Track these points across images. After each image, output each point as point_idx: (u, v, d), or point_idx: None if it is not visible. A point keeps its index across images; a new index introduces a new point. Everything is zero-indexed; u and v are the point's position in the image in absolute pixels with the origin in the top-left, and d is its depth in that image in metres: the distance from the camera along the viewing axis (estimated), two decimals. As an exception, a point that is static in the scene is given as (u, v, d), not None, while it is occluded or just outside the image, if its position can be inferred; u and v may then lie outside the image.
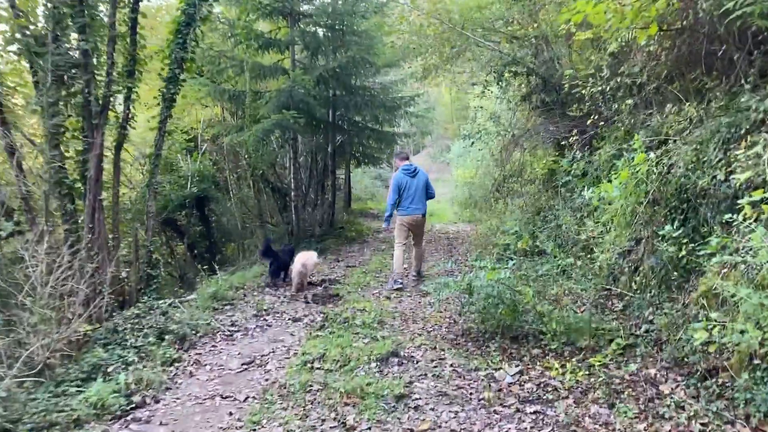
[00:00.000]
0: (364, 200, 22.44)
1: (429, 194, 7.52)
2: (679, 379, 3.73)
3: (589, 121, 7.20)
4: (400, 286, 7.10)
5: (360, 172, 24.59)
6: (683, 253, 4.38)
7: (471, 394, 3.86)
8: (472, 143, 9.47)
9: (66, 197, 5.53)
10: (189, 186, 9.54)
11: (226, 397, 4.02)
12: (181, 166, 10.10)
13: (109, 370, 4.27)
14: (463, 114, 43.42)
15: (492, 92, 9.16)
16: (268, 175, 12.16)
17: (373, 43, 9.44)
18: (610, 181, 5.80)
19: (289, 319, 5.94)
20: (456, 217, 18.24)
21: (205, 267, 8.49)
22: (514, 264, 5.36)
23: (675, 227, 4.52)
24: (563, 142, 8.53)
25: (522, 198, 12.51)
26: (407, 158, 7.67)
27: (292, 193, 10.45)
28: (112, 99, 5.84)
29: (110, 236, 6.02)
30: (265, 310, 6.24)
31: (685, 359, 3.88)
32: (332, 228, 12.12)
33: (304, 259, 7.27)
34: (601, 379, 3.86)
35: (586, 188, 6.67)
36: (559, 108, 8.64)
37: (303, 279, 7.17)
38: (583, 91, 7.10)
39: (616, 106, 7.09)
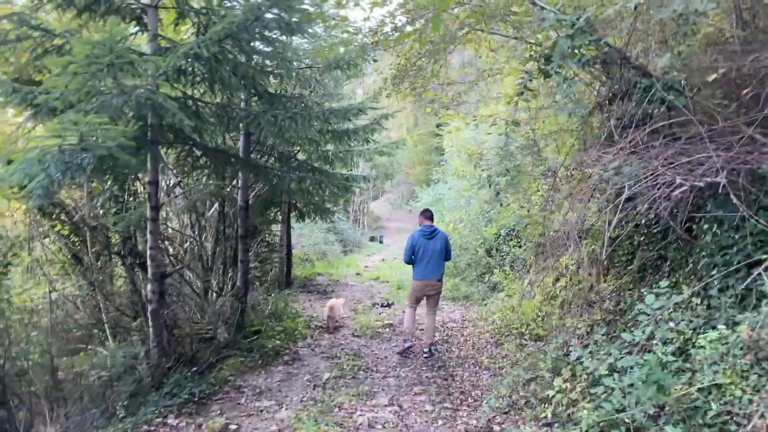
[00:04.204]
0: (311, 261, 17.54)
1: (447, 257, 7.03)
2: None
3: None
4: (410, 344, 6.98)
5: (310, 223, 19.73)
6: None
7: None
8: (498, 194, 4.89)
9: None
10: None
11: None
12: None
13: None
14: (425, 158, 39.71)
15: (533, 94, 4.64)
16: (135, 245, 7.29)
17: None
18: None
19: None
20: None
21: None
22: None
23: None
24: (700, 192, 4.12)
25: (552, 278, 7.95)
26: (431, 218, 7.04)
27: (149, 287, 5.54)
28: None
29: None
30: None
31: None
32: (240, 333, 7.20)
33: (332, 303, 8.63)
34: None
35: None
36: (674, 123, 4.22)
37: (331, 323, 8.44)
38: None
39: None
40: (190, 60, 4.75)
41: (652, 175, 4.02)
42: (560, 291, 7.76)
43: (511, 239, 11.28)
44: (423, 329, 7.30)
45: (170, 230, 8.80)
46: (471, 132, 17.25)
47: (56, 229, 8.37)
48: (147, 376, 5.38)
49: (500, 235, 12.24)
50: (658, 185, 4.05)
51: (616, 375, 3.81)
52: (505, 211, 8.56)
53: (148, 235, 5.42)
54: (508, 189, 5.00)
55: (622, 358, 3.98)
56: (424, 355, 6.85)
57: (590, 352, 4.65)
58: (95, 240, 8.44)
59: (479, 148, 16.71)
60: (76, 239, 8.51)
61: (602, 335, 4.85)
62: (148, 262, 5.44)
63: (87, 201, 8.44)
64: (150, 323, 5.49)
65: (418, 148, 41.08)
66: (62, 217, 8.35)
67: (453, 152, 19.61)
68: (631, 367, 3.70)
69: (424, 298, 6.98)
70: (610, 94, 4.65)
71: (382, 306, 10.68)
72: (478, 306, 10.62)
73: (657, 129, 4.31)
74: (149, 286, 5.46)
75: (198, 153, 5.87)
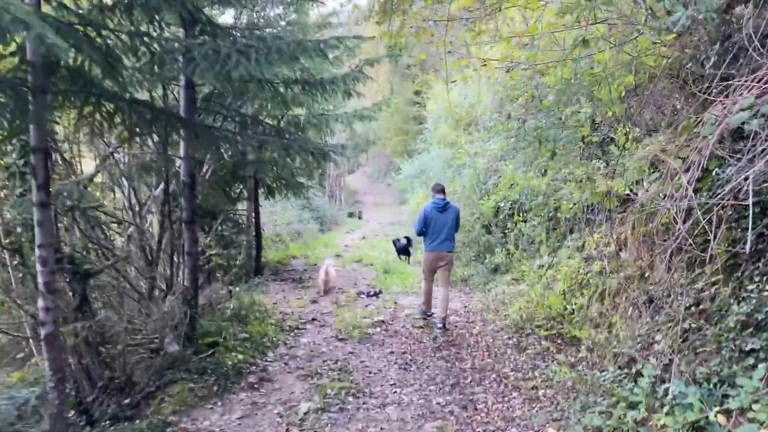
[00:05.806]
0: (285, 243, 15.80)
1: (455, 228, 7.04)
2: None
3: None
4: (430, 313, 7.15)
5: (282, 200, 17.82)
6: None
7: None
8: (553, 155, 3.23)
9: None
10: None
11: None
12: None
13: None
14: (403, 128, 37.70)
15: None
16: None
17: None
18: None
19: None
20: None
21: None
22: None
23: None
24: None
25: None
26: (442, 191, 6.97)
27: (39, 302, 3.81)
28: None
29: None
30: None
31: None
32: (191, 345, 5.55)
33: (327, 267, 9.59)
34: None
35: None
36: None
37: (326, 285, 9.39)
38: None
39: None
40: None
41: None
42: (590, 278, 6.27)
43: (514, 213, 9.73)
44: (436, 305, 7.22)
45: (103, 216, 7.03)
46: (458, 95, 15.57)
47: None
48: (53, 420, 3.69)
49: (498, 208, 10.69)
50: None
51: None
52: (542, 179, 6.91)
53: (36, 228, 3.67)
54: (565, 146, 3.39)
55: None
56: (438, 329, 6.83)
57: (695, 388, 3.13)
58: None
59: (470, 110, 15.07)
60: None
61: (711, 361, 3.31)
62: (38, 267, 3.70)
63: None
64: (45, 354, 3.78)
65: (394, 117, 39.04)
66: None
67: (437, 118, 17.86)
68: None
69: (437, 270, 6.97)
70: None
71: (368, 296, 9.09)
72: (480, 292, 9.13)
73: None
74: (40, 302, 3.72)
75: (110, 107, 4.11)
